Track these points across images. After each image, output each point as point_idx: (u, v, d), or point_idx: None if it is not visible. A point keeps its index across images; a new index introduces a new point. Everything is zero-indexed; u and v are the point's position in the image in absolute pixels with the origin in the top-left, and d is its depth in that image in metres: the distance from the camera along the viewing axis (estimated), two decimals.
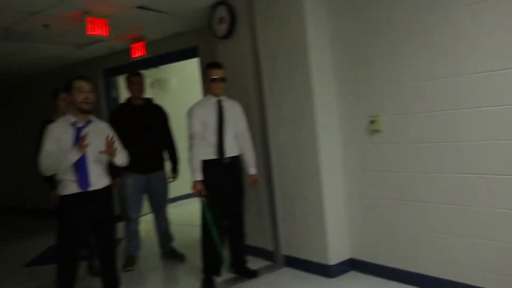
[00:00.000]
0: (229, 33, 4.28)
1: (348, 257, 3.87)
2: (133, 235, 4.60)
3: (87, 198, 3.25)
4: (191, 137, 3.74)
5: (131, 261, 4.57)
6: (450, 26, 3.03)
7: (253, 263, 4.18)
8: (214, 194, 3.72)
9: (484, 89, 2.91)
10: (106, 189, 3.38)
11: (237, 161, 3.87)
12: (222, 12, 4.30)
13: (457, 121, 3.06)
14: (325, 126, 3.75)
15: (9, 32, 4.77)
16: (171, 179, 4.69)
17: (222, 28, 4.31)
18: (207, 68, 3.80)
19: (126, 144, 4.32)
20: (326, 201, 3.74)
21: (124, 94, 6.65)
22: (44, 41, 5.37)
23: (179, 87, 7.53)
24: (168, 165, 4.68)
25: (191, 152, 3.72)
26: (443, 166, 3.17)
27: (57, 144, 3.17)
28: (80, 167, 3.19)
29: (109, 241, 3.50)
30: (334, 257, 3.78)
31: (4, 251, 5.89)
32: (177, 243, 4.86)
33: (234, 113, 3.85)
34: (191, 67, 6.51)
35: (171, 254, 4.73)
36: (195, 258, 4.44)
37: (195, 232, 5.50)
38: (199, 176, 3.68)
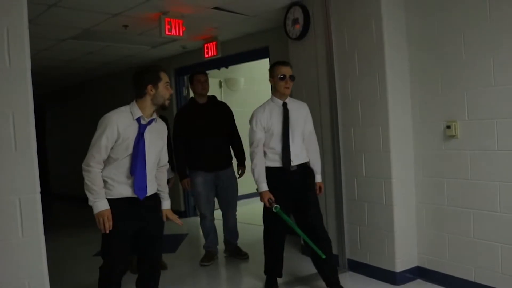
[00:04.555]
0: (303, 34, 4.30)
1: (415, 265, 3.79)
2: (209, 231, 4.68)
3: (138, 204, 2.83)
4: (253, 145, 3.54)
5: (209, 257, 4.66)
6: None
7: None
8: (281, 203, 3.50)
9: None
10: (156, 195, 3.00)
11: (305, 168, 3.64)
12: (296, 13, 4.33)
13: None
14: (399, 129, 3.70)
15: (90, 32, 5.03)
16: (239, 174, 4.74)
17: (296, 29, 4.34)
18: (274, 66, 3.60)
19: (193, 143, 4.46)
20: (396, 207, 3.67)
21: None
22: (122, 41, 5.63)
23: (247, 87, 7.66)
24: (234, 162, 4.74)
25: (254, 161, 3.53)
26: None
27: (116, 139, 2.73)
28: (138, 170, 2.78)
29: (155, 252, 3.02)
30: (400, 264, 3.71)
31: (75, 240, 6.12)
32: (240, 242, 4.92)
33: (300, 115, 3.62)
34: (259, 67, 6.59)
35: (235, 252, 4.80)
36: (258, 257, 4.48)
37: (258, 231, 5.56)
38: (265, 186, 3.49)
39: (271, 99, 3.63)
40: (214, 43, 5.73)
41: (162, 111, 2.97)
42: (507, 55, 3.08)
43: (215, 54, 5.73)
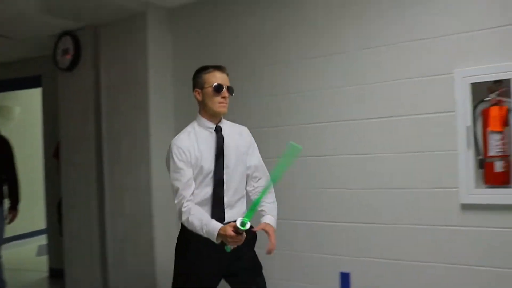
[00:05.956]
0: (72, 65, 4.10)
1: None
2: None
3: None
4: (181, 188, 2.26)
5: None
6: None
7: None
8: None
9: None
10: None
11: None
12: (67, 43, 4.11)
13: None
14: (161, 168, 3.70)
15: None
16: (9, 219, 4.12)
17: (66, 60, 4.12)
18: (203, 71, 2.40)
19: None
20: (157, 244, 3.65)
21: None
22: None
23: (24, 117, 7.01)
24: (7, 203, 4.12)
25: (184, 209, 2.23)
26: None
27: None
28: None
29: None
30: None
31: None
32: None
33: (241, 143, 2.46)
34: (38, 96, 6.11)
35: None
36: None
37: (29, 277, 4.99)
38: (215, 224, 2.16)
39: (197, 121, 2.43)
40: None
41: None
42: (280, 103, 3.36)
43: None
